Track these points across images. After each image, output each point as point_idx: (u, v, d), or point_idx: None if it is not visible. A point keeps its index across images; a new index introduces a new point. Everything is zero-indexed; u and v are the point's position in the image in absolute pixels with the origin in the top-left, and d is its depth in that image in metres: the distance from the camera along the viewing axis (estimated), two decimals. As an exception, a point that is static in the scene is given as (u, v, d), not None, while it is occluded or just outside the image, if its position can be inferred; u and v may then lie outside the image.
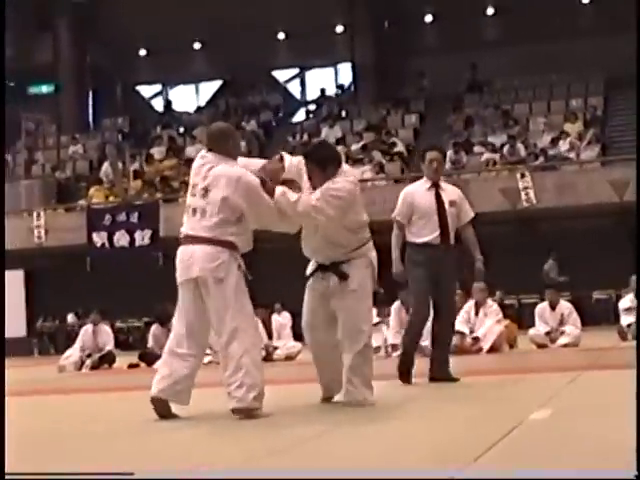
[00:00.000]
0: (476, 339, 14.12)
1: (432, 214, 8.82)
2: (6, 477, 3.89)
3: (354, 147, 27.39)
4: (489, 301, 14.78)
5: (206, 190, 6.50)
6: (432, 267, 8.69)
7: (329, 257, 6.95)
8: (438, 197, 8.90)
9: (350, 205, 6.76)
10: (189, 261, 6.47)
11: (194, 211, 6.53)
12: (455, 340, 14.13)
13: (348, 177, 6.83)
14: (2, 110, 22.41)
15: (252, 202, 6.47)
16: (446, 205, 8.88)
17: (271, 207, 6.52)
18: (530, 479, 3.52)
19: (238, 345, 6.32)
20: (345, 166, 7.01)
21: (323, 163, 6.78)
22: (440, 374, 8.70)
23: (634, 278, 15.86)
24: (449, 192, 9.07)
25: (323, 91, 34.42)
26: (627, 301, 16.08)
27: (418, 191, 9.01)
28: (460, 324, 14.37)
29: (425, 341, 14.05)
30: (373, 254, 7.07)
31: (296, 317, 21.54)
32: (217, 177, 6.50)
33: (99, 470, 4.00)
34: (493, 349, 13.99)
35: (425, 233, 8.80)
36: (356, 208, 6.90)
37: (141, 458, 4.95)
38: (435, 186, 8.97)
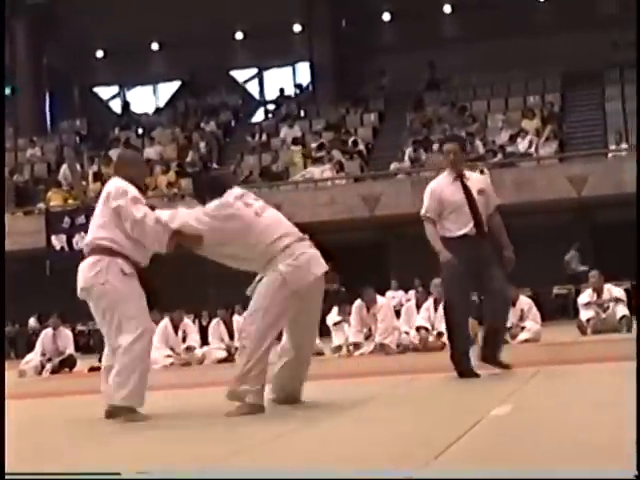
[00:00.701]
0: (439, 334, 14.13)
1: (462, 206, 8.59)
2: (6, 477, 3.86)
3: (313, 146, 27.38)
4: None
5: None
6: (471, 260, 8.44)
7: (256, 271, 6.97)
8: (465, 188, 8.68)
9: (224, 222, 6.75)
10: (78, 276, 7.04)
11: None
12: (421, 336, 14.24)
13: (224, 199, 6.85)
14: (2, 111, 22.26)
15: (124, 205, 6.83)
16: (475, 194, 8.66)
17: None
18: (523, 479, 3.51)
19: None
20: (234, 190, 6.98)
21: (202, 195, 7.05)
22: (492, 359, 8.64)
23: (593, 274, 15.96)
24: (475, 181, 8.90)
25: (282, 91, 34.38)
26: (585, 296, 16.18)
27: (444, 185, 8.77)
28: (422, 320, 14.43)
29: (387, 338, 14.18)
30: (287, 265, 6.68)
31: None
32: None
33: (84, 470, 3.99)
34: (455, 345, 14.00)
35: (458, 226, 8.57)
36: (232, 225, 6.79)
37: (97, 462, 4.92)
38: (460, 177, 8.76)
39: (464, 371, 8.40)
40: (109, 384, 6.68)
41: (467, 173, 8.95)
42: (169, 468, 4.45)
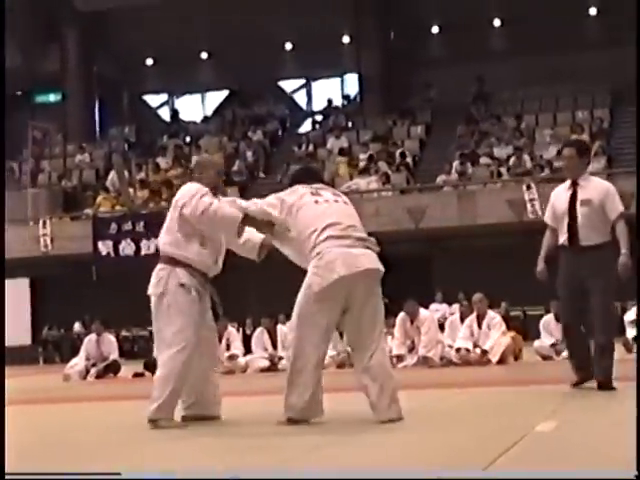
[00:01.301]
0: (484, 352, 14.07)
1: (565, 215, 8.31)
2: (6, 477, 3.89)
3: (361, 157, 27.40)
4: (490, 312, 14.71)
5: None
6: (567, 271, 8.30)
7: None
8: (573, 196, 8.33)
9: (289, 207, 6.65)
10: None
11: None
12: (461, 356, 14.16)
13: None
14: (2, 113, 22.45)
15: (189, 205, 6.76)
16: (577, 204, 8.29)
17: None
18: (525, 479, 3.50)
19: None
20: (297, 186, 6.81)
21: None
22: (597, 377, 8.34)
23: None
24: (588, 189, 8.36)
25: (329, 102, 34.45)
26: (632, 314, 16.05)
27: (561, 191, 8.52)
28: (462, 340, 14.33)
29: (431, 351, 14.15)
30: (312, 267, 6.47)
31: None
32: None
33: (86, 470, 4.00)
34: (500, 361, 13.96)
35: (561, 236, 8.37)
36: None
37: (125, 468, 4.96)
38: (574, 185, 8.40)
39: (576, 383, 8.31)
40: None
41: (586, 180, 8.42)
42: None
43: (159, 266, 6.84)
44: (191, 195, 6.76)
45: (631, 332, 15.68)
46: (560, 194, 8.49)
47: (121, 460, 5.29)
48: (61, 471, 3.99)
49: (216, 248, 6.95)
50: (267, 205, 6.71)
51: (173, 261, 6.76)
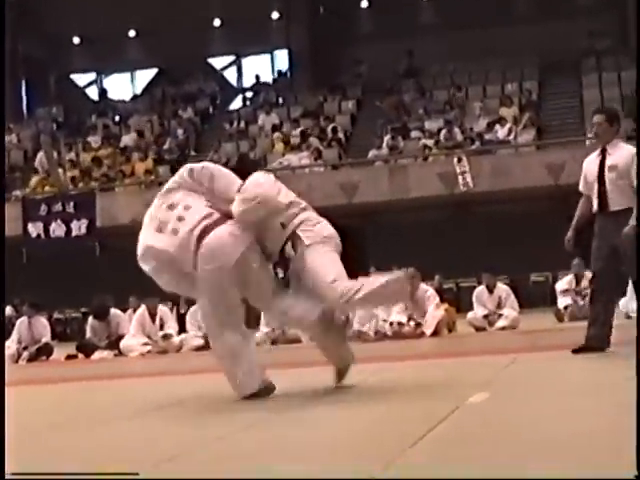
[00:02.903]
0: (418, 324, 14.14)
1: (595, 181, 8.36)
2: (6, 477, 3.82)
3: (293, 133, 27.35)
4: (423, 285, 14.78)
5: None
6: (600, 237, 8.27)
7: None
8: (602, 162, 8.37)
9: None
10: None
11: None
12: (395, 329, 14.22)
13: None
14: (2, 105, 22.10)
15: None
16: (605, 170, 8.33)
17: None
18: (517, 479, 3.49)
19: None
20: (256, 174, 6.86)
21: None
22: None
23: (576, 262, 15.97)
24: (615, 156, 8.36)
25: (259, 78, 34.29)
26: (564, 283, 16.25)
27: (590, 159, 8.55)
28: (397, 314, 14.38)
29: (365, 325, 14.17)
30: None
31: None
32: None
33: (103, 470, 3.94)
34: (435, 333, 14.04)
35: (594, 202, 8.37)
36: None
37: (66, 454, 4.90)
38: (603, 151, 8.42)
39: (580, 349, 8.22)
40: None
41: (614, 146, 8.42)
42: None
43: None
44: None
45: (562, 301, 15.89)
46: (591, 162, 8.55)
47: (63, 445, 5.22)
48: (75, 471, 3.92)
49: None
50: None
51: None
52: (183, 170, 6.81)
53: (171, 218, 6.52)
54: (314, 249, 6.48)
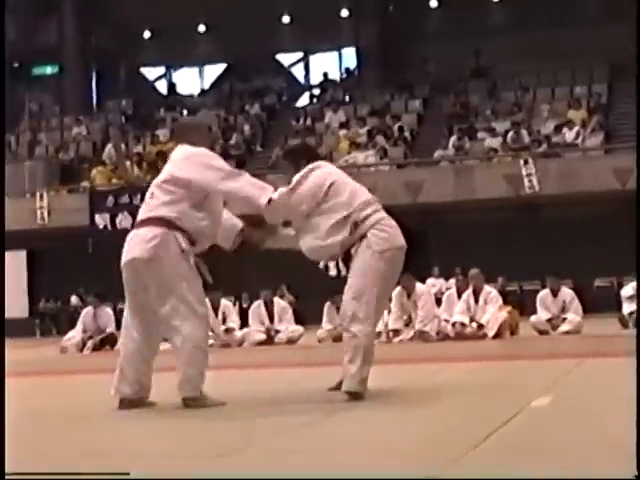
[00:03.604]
0: (480, 326, 14.10)
1: None
2: (6, 477, 3.88)
3: (359, 131, 27.35)
4: (487, 287, 14.75)
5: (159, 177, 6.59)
6: None
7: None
8: None
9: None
10: (128, 245, 6.48)
11: (146, 198, 6.59)
12: (457, 330, 14.20)
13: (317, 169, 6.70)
14: (2, 97, 22.39)
15: (200, 168, 6.44)
16: None
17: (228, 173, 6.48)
18: (525, 479, 3.49)
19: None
20: (322, 163, 6.87)
21: (295, 161, 6.83)
22: None
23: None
24: None
25: (327, 75, 34.33)
26: (629, 289, 16.07)
27: None
28: (459, 314, 14.36)
29: (427, 325, 14.17)
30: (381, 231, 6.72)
31: (299, 300, 21.65)
32: (170, 161, 6.66)
33: (94, 470, 3.97)
34: (497, 336, 13.99)
35: None
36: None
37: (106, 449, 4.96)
38: None
39: None
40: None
41: None
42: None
43: (155, 229, 6.36)
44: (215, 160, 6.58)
45: (627, 307, 15.72)
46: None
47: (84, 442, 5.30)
48: (66, 471, 3.97)
49: (217, 220, 6.65)
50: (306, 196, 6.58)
51: (170, 224, 6.37)
52: None
53: None
54: (363, 267, 6.47)
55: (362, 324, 6.36)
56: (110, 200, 24.89)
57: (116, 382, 6.42)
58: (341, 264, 6.74)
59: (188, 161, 6.52)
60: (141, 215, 6.53)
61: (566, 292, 15.37)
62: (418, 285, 14.72)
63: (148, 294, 6.40)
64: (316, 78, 35.55)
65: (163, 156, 27.19)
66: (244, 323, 16.30)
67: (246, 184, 6.42)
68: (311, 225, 6.59)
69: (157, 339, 6.58)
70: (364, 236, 6.50)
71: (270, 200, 6.36)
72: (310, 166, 6.67)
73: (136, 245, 6.39)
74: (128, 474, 3.78)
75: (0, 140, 26.10)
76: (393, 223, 6.67)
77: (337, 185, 6.62)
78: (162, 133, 29.60)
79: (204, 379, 6.24)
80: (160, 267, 6.30)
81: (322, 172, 6.69)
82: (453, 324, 14.26)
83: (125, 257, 6.47)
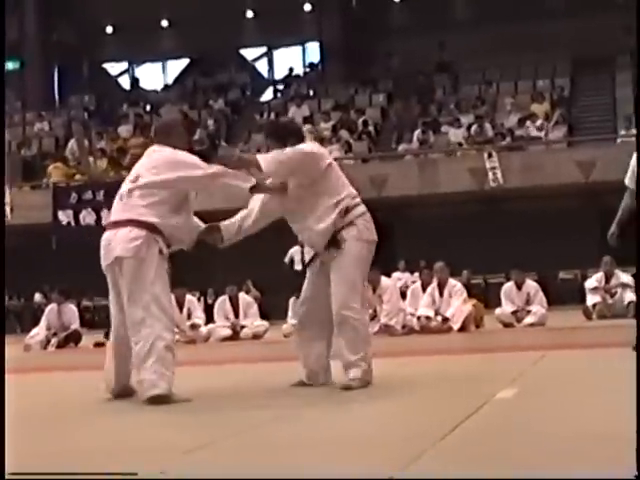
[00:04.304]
0: (445, 319, 14.15)
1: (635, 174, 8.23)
2: (6, 477, 3.84)
3: (322, 126, 27.34)
4: (452, 280, 14.79)
5: (137, 176, 6.51)
6: None
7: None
8: None
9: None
10: (109, 246, 6.43)
11: (120, 197, 6.52)
12: (422, 324, 14.23)
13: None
14: (2, 105, 22.23)
15: (181, 168, 6.42)
16: None
17: (207, 171, 6.44)
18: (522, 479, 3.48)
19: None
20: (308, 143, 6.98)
21: (283, 138, 6.76)
22: None
23: (606, 259, 15.92)
24: None
25: (291, 70, 34.30)
26: (593, 281, 16.19)
27: (635, 154, 8.34)
28: (424, 308, 14.39)
29: (393, 319, 14.17)
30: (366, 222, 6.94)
31: (265, 296, 21.62)
32: (150, 161, 6.57)
33: (102, 470, 3.94)
34: (462, 329, 14.03)
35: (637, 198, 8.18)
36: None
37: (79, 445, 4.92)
38: None
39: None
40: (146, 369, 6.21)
41: None
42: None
43: (137, 230, 6.33)
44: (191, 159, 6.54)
45: (591, 299, 15.84)
46: (635, 157, 8.39)
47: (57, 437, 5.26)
48: (76, 471, 3.94)
49: (190, 223, 6.72)
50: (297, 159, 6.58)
51: (152, 227, 6.35)
52: None
53: None
54: (356, 257, 6.57)
55: (359, 313, 6.55)
56: (73, 196, 24.62)
57: (110, 377, 6.59)
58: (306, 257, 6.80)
59: (174, 163, 6.48)
60: (118, 215, 6.48)
61: (530, 285, 15.44)
62: (383, 279, 14.73)
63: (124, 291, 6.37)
64: (280, 73, 35.51)
65: (123, 152, 27.08)
66: (209, 319, 16.27)
67: (232, 176, 6.43)
68: (308, 206, 6.63)
69: None
70: (352, 223, 6.60)
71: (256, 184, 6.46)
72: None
73: (118, 245, 6.35)
74: (136, 474, 3.77)
75: (0, 141, 25.85)
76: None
77: (334, 167, 6.76)
78: (125, 129, 29.47)
79: (174, 378, 6.21)
80: (140, 266, 6.27)
81: (320, 149, 6.93)
82: (418, 318, 14.29)
83: (107, 258, 6.45)
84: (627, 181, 8.46)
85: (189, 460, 4.12)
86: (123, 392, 6.56)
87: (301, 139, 6.84)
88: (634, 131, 23.75)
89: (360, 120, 27.58)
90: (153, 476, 3.82)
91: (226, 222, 6.91)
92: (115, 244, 6.36)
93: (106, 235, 6.49)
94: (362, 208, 6.72)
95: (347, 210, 6.59)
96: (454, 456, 3.96)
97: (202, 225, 6.87)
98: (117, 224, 6.45)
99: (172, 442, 4.69)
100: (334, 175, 6.71)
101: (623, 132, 24.07)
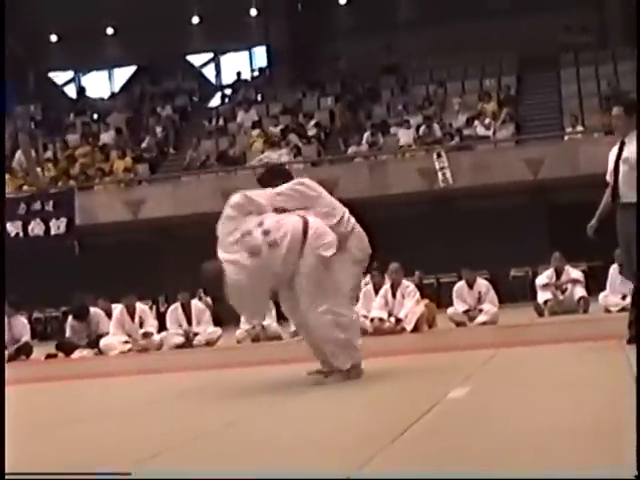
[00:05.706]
0: (398, 320, 14.16)
1: (611, 173, 8.37)
2: (6, 477, 3.79)
3: (272, 130, 27.32)
4: (404, 281, 14.81)
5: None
6: (618, 229, 8.28)
7: None
8: (619, 154, 8.35)
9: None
10: None
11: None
12: (375, 325, 14.23)
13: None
14: (2, 105, 21.97)
15: None
16: (620, 162, 8.30)
17: None
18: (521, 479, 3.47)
19: None
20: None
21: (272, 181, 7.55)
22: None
23: (556, 255, 16.06)
24: (630, 147, 8.30)
25: (238, 75, 34.22)
26: (544, 278, 16.29)
27: (613, 151, 8.50)
28: (377, 310, 14.39)
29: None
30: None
31: (217, 302, 21.49)
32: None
33: (96, 470, 3.90)
34: (415, 329, 14.06)
35: (611, 194, 8.39)
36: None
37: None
38: (622, 144, 8.39)
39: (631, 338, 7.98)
40: None
41: (631, 138, 8.33)
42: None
43: None
44: None
45: (542, 296, 15.95)
46: (612, 153, 8.52)
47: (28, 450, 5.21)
48: (68, 471, 3.89)
49: None
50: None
51: None
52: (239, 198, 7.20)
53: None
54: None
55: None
56: (22, 207, 24.51)
57: None
58: None
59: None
60: None
61: (481, 283, 15.51)
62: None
63: None
64: (228, 78, 35.42)
65: (72, 160, 26.88)
66: (162, 327, 16.16)
67: None
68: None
69: None
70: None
71: None
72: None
73: None
74: (129, 474, 3.74)
75: (0, 144, 25.53)
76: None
77: (326, 194, 7.79)
78: (73, 138, 29.25)
79: None
80: None
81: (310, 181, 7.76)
82: (371, 320, 14.29)
83: None
84: (608, 177, 8.53)
85: (153, 464, 4.09)
86: None
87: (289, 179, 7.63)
88: (580, 128, 24.03)
89: (310, 123, 27.57)
90: (149, 476, 3.81)
91: None
92: None
93: None
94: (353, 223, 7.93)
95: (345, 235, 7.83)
96: (408, 455, 3.96)
97: None
98: None
99: (132, 448, 4.65)
100: (332, 200, 8.04)
101: (569, 129, 24.28)
